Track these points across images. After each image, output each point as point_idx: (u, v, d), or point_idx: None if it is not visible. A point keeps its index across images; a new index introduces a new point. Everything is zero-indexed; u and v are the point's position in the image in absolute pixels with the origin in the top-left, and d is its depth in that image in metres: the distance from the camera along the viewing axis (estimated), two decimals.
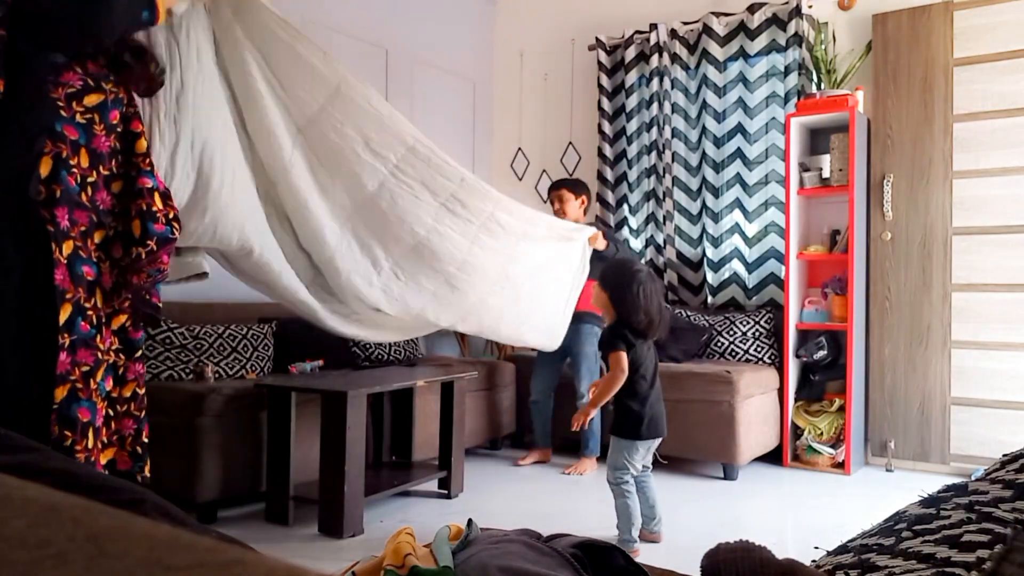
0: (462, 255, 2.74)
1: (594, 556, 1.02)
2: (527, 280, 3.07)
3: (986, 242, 3.75)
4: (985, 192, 3.75)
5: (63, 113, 1.76)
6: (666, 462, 3.01)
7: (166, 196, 1.96)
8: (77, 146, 1.78)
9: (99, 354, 1.79)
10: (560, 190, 3.98)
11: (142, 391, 1.95)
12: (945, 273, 3.82)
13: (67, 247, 1.72)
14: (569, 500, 3.36)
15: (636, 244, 4.89)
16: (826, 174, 4.01)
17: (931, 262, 3.86)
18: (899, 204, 3.94)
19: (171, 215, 1.95)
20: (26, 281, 1.65)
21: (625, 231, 4.90)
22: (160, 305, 1.97)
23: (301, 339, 3.62)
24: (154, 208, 1.90)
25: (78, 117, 1.78)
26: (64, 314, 1.70)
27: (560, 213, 3.93)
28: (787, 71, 4.28)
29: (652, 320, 2.66)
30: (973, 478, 1.03)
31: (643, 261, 4.82)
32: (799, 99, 4.11)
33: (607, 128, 4.94)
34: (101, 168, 1.84)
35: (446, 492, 3.33)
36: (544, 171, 5.38)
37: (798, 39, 4.22)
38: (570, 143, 5.27)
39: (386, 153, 2.49)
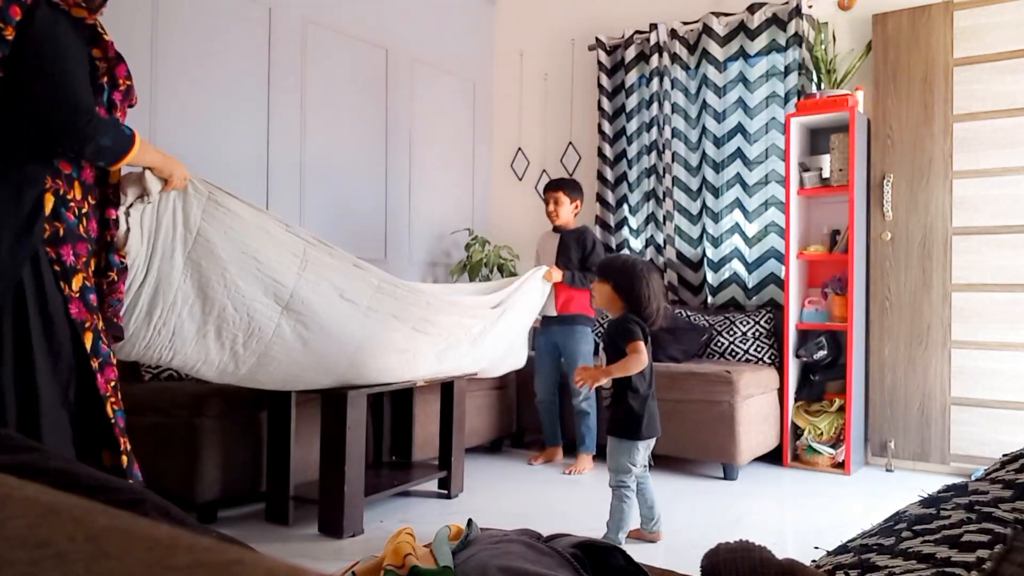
0: (437, 352, 3.10)
1: (594, 556, 1.02)
2: (497, 337, 3.42)
3: (986, 242, 3.75)
4: (985, 192, 3.75)
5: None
6: (653, 464, 3.03)
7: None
8: (71, 180, 1.85)
9: (116, 367, 1.95)
10: (557, 191, 3.98)
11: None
12: (945, 273, 3.82)
13: (77, 281, 1.82)
14: (569, 500, 3.36)
15: (636, 244, 4.89)
16: (826, 174, 4.01)
17: (931, 262, 3.86)
18: (899, 204, 3.94)
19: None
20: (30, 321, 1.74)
21: (625, 231, 4.90)
22: (123, 326, 2.08)
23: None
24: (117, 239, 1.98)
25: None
26: (88, 341, 1.83)
27: (553, 215, 4.00)
28: (787, 71, 4.28)
29: (659, 310, 2.69)
30: (973, 478, 1.03)
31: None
32: (799, 99, 4.11)
33: (607, 128, 4.94)
34: (90, 198, 1.91)
35: (446, 492, 3.33)
36: (544, 171, 5.38)
37: (798, 39, 4.22)
38: (570, 143, 5.27)
39: (358, 299, 2.65)
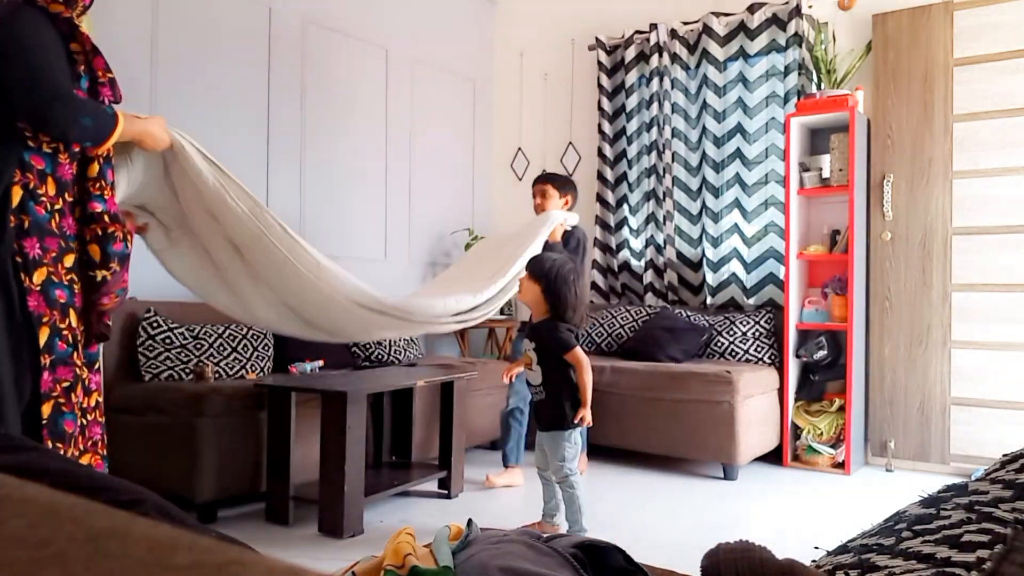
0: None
1: (594, 556, 1.02)
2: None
3: (986, 242, 3.75)
4: (985, 192, 3.75)
5: (30, 143, 1.84)
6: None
7: (115, 218, 2.01)
8: (44, 175, 1.86)
9: (76, 370, 1.92)
10: (545, 184, 3.63)
11: (101, 399, 2.06)
12: (945, 273, 3.82)
13: (39, 275, 1.82)
14: None
15: (636, 244, 4.89)
16: (826, 174, 4.01)
17: (931, 262, 3.86)
18: (899, 204, 3.94)
19: (126, 231, 2.03)
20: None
21: (625, 231, 4.90)
22: (110, 325, 2.07)
23: (301, 339, 3.62)
24: (110, 230, 1.98)
25: (44, 147, 1.86)
26: (43, 337, 1.83)
27: (538, 208, 3.66)
28: (787, 71, 4.28)
29: (583, 315, 2.78)
30: (973, 478, 1.03)
31: (643, 261, 4.83)
32: (799, 99, 4.11)
33: (607, 128, 4.94)
34: (67, 195, 1.92)
35: (446, 492, 3.33)
36: (544, 171, 5.37)
37: (798, 39, 4.21)
38: (570, 143, 5.27)
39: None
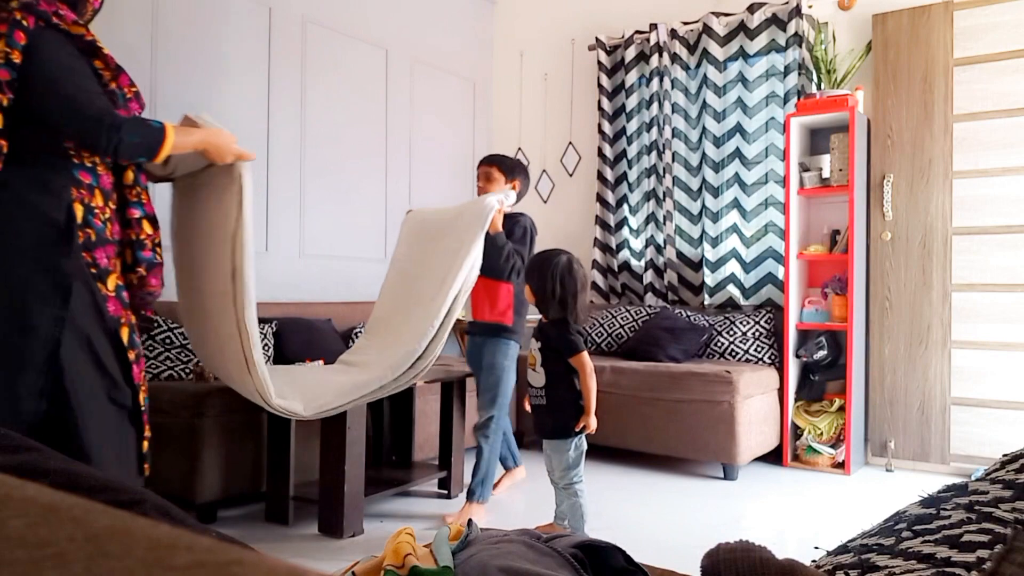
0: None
1: (594, 556, 1.02)
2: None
3: (986, 242, 3.75)
4: (985, 192, 3.75)
5: (75, 160, 1.92)
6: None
7: (154, 221, 2.10)
8: (92, 188, 1.95)
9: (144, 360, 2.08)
10: (490, 167, 3.24)
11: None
12: (945, 273, 3.82)
13: (111, 281, 1.96)
14: None
15: (636, 244, 4.89)
16: (826, 174, 4.01)
17: (931, 262, 3.86)
18: (899, 204, 3.94)
19: (156, 240, 2.10)
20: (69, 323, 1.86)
21: (625, 231, 4.90)
22: (153, 318, 2.19)
23: (301, 339, 3.63)
24: (142, 236, 2.06)
25: (86, 160, 1.94)
26: (124, 336, 1.97)
27: (481, 192, 3.27)
28: (787, 71, 4.28)
29: (585, 314, 2.70)
30: (973, 478, 1.03)
31: (643, 261, 4.83)
32: (799, 99, 4.11)
33: (607, 128, 4.94)
34: (110, 203, 2.01)
35: (446, 492, 3.33)
36: (544, 171, 5.38)
37: (798, 39, 4.21)
38: (570, 143, 5.27)
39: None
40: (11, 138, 1.83)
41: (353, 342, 3.94)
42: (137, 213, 2.05)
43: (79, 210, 1.88)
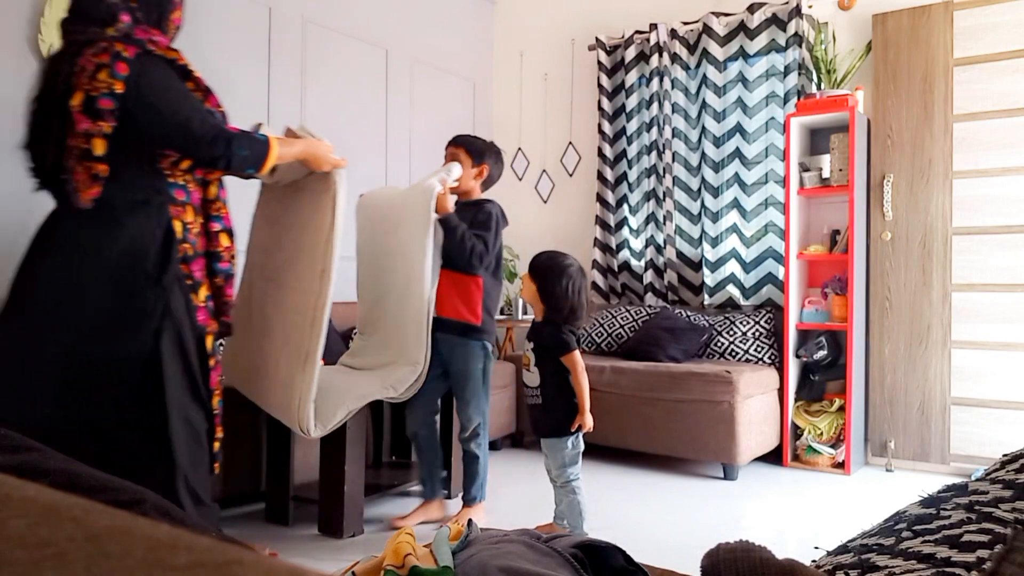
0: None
1: (594, 556, 1.02)
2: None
3: (986, 242, 3.75)
4: (985, 192, 3.75)
5: (169, 179, 2.06)
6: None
7: (231, 235, 2.23)
8: (185, 205, 2.08)
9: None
10: (457, 148, 3.05)
11: None
12: (945, 273, 3.83)
13: (203, 292, 2.10)
14: None
15: (636, 244, 4.89)
16: (826, 174, 4.01)
17: (931, 262, 3.86)
18: (899, 204, 3.94)
19: (232, 252, 2.23)
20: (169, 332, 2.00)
21: (625, 231, 4.90)
22: (231, 323, 2.28)
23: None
24: (220, 248, 2.19)
25: (179, 179, 2.08)
26: (208, 344, 2.11)
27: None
28: (787, 71, 4.28)
29: (581, 310, 2.69)
30: (973, 478, 1.03)
31: (643, 261, 4.83)
32: (799, 99, 4.11)
33: (607, 128, 4.94)
34: (199, 218, 2.14)
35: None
36: (544, 171, 5.38)
37: (798, 39, 4.21)
38: (570, 143, 5.27)
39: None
40: (111, 162, 1.94)
41: (352, 342, 3.94)
42: (217, 227, 2.17)
43: (178, 226, 2.02)
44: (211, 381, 2.12)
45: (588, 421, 2.62)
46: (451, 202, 2.83)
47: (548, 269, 2.66)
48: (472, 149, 3.03)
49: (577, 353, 2.63)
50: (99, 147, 1.92)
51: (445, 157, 3.09)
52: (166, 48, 2.04)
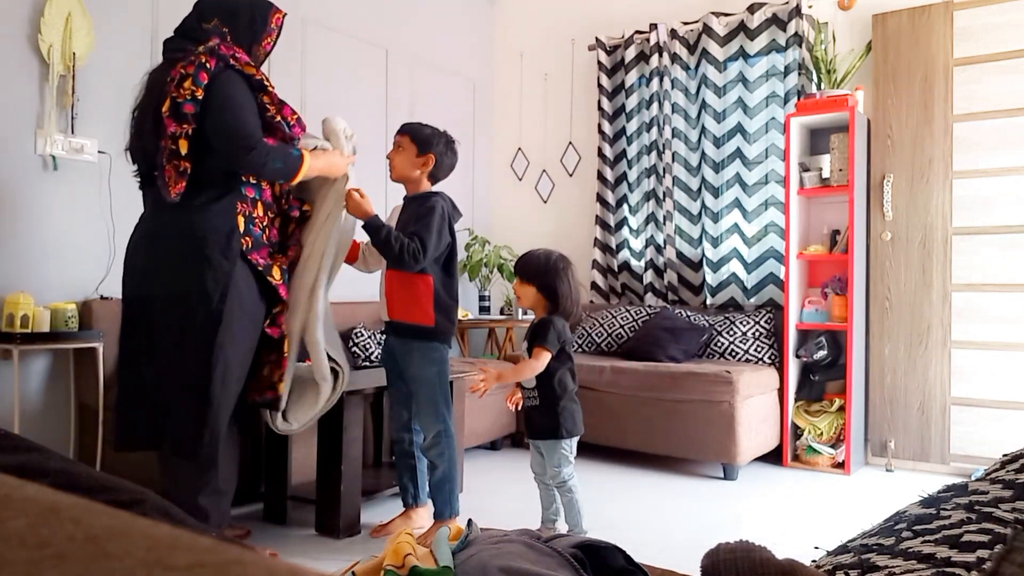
0: None
1: (594, 556, 1.02)
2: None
3: (986, 242, 3.75)
4: (985, 192, 3.75)
5: (242, 178, 2.33)
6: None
7: (304, 217, 2.56)
8: (255, 201, 2.38)
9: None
10: (403, 136, 2.88)
11: None
12: (945, 273, 3.82)
13: (277, 272, 2.38)
14: None
15: (636, 244, 4.89)
16: (826, 174, 4.01)
17: (931, 262, 3.86)
18: (899, 204, 3.94)
19: (289, 262, 2.50)
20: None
21: (625, 231, 4.90)
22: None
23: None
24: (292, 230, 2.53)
25: (251, 178, 2.35)
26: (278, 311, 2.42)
27: (390, 159, 2.92)
28: (787, 71, 4.28)
29: (578, 304, 2.65)
30: (973, 478, 1.03)
31: (643, 261, 4.83)
32: (799, 99, 4.11)
33: (607, 128, 4.94)
34: (270, 212, 2.45)
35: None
36: (544, 171, 5.38)
37: (798, 39, 4.22)
38: (570, 143, 5.27)
39: None
40: (193, 161, 2.20)
41: (353, 342, 3.95)
42: (297, 212, 2.53)
43: (241, 221, 2.29)
44: (284, 362, 2.41)
45: (480, 383, 2.49)
46: (367, 203, 2.61)
47: (546, 269, 2.63)
48: (417, 137, 2.83)
49: (545, 352, 2.54)
50: (184, 147, 2.19)
51: (394, 144, 2.90)
52: (245, 63, 2.30)
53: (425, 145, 2.83)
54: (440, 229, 2.72)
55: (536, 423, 2.67)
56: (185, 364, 2.23)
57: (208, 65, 2.21)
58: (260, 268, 2.32)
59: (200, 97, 2.19)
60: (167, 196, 2.20)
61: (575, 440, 2.68)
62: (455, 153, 2.94)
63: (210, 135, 2.22)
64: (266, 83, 2.35)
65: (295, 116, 2.43)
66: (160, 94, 2.23)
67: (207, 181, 2.25)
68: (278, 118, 2.36)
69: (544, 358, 2.54)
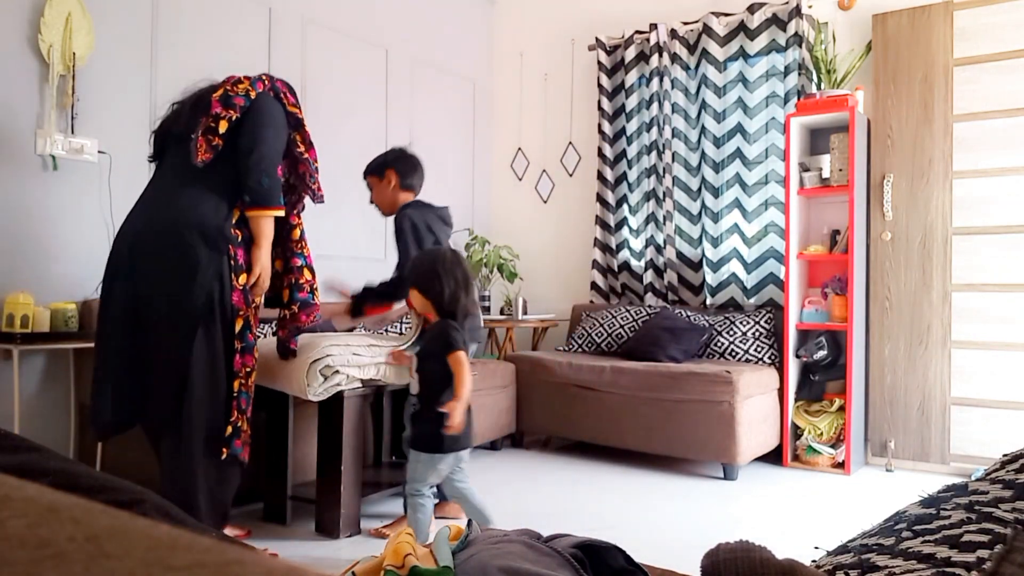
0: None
1: (594, 556, 1.02)
2: None
3: (986, 242, 3.75)
4: (985, 192, 3.75)
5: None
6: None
7: (312, 270, 2.62)
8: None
9: (255, 362, 2.47)
10: (367, 178, 3.13)
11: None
12: (945, 273, 3.83)
13: (243, 278, 2.40)
14: (569, 500, 3.35)
15: (636, 244, 4.89)
16: (826, 174, 4.01)
17: (931, 262, 3.86)
18: (899, 204, 3.94)
19: (314, 285, 2.60)
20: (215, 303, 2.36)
21: (625, 231, 4.90)
22: (295, 349, 2.66)
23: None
24: (301, 280, 2.59)
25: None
26: (238, 326, 2.38)
27: (375, 201, 3.15)
28: (787, 71, 4.28)
29: (458, 300, 2.44)
30: (973, 478, 1.03)
31: (643, 261, 4.83)
32: (799, 99, 4.11)
33: (607, 128, 4.94)
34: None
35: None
36: (544, 171, 5.38)
37: (798, 39, 4.22)
38: (570, 143, 5.27)
39: None
40: (224, 146, 2.38)
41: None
42: (299, 262, 2.59)
43: (235, 214, 2.40)
44: (234, 363, 2.37)
45: (456, 418, 2.30)
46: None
47: (421, 272, 2.46)
48: (372, 169, 3.11)
49: (463, 354, 2.38)
50: (223, 127, 2.37)
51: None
52: (291, 104, 2.55)
53: (381, 169, 3.08)
54: (416, 241, 2.92)
55: (417, 432, 2.46)
56: (173, 340, 2.31)
57: (264, 80, 2.49)
58: (233, 263, 2.39)
59: (251, 97, 2.41)
60: (193, 159, 2.35)
61: (449, 459, 2.44)
62: (411, 156, 3.12)
63: (241, 133, 2.39)
64: (304, 123, 2.59)
65: (316, 163, 2.64)
66: (211, 89, 2.46)
67: (223, 169, 2.39)
68: (307, 155, 2.59)
69: (464, 358, 2.38)
